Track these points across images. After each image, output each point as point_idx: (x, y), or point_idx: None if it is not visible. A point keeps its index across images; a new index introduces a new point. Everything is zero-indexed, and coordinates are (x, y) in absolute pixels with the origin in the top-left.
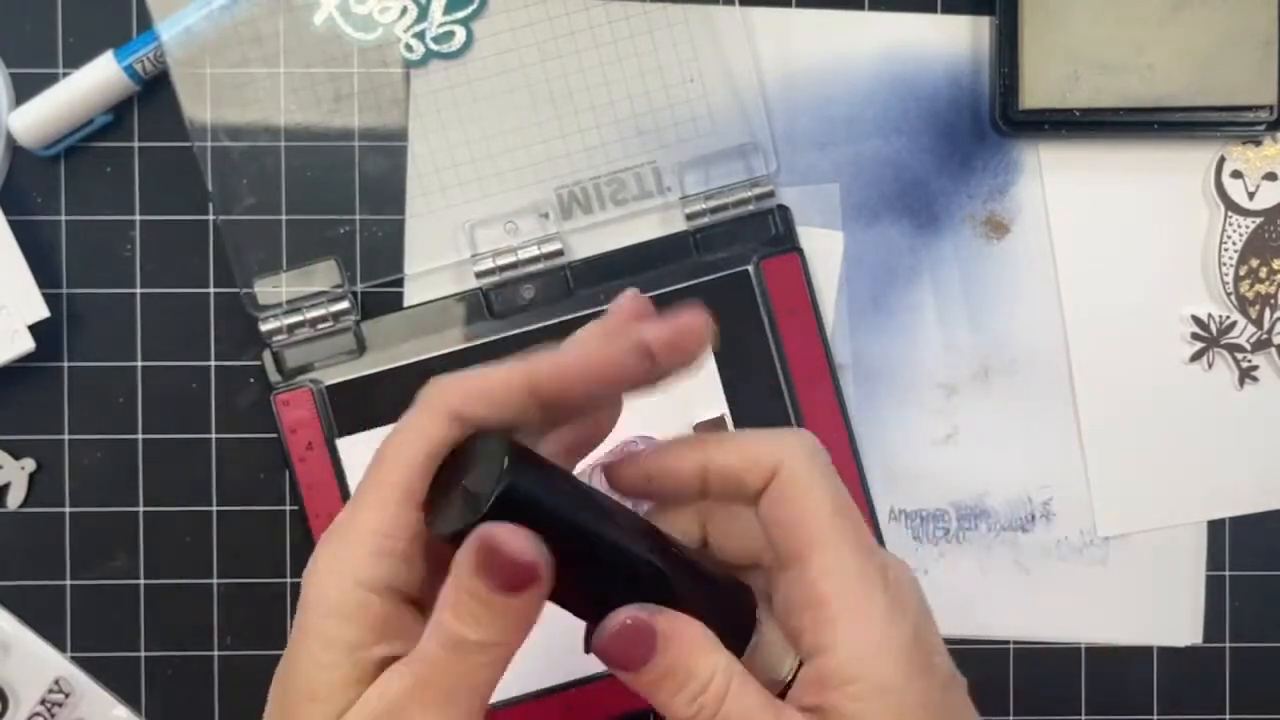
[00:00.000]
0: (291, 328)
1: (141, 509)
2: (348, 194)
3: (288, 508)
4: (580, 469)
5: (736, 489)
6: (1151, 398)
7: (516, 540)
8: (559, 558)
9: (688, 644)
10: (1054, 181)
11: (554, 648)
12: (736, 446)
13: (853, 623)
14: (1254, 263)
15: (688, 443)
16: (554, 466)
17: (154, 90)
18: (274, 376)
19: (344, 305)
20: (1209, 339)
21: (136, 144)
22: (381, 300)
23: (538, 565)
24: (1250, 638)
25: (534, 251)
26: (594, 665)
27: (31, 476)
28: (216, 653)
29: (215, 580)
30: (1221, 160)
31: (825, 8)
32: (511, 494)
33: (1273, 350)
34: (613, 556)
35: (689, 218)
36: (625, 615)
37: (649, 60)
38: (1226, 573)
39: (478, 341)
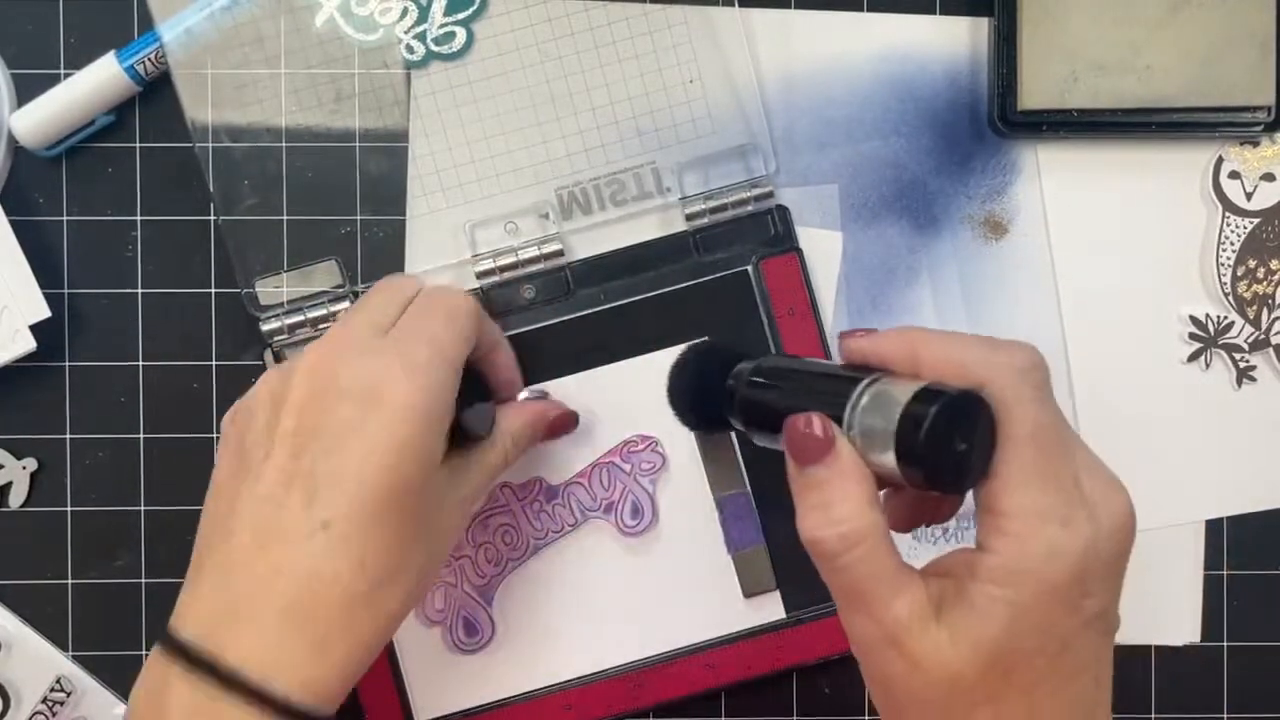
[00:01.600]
0: (292, 328)
1: (143, 508)
2: (349, 194)
3: None
4: (583, 466)
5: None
6: (1149, 397)
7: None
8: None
9: (849, 482)
10: (1052, 182)
11: (554, 647)
12: (946, 354)
13: (1016, 543)
14: (1251, 263)
15: (903, 336)
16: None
17: (155, 91)
18: None
19: (345, 305)
20: (1206, 339)
21: (138, 145)
22: None
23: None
24: (1248, 636)
25: (534, 252)
26: (594, 665)
27: (33, 476)
28: None
29: None
30: (1219, 161)
31: (824, 9)
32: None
33: (1270, 350)
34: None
35: (688, 218)
36: (821, 419)
37: (649, 61)
38: (1224, 572)
39: None
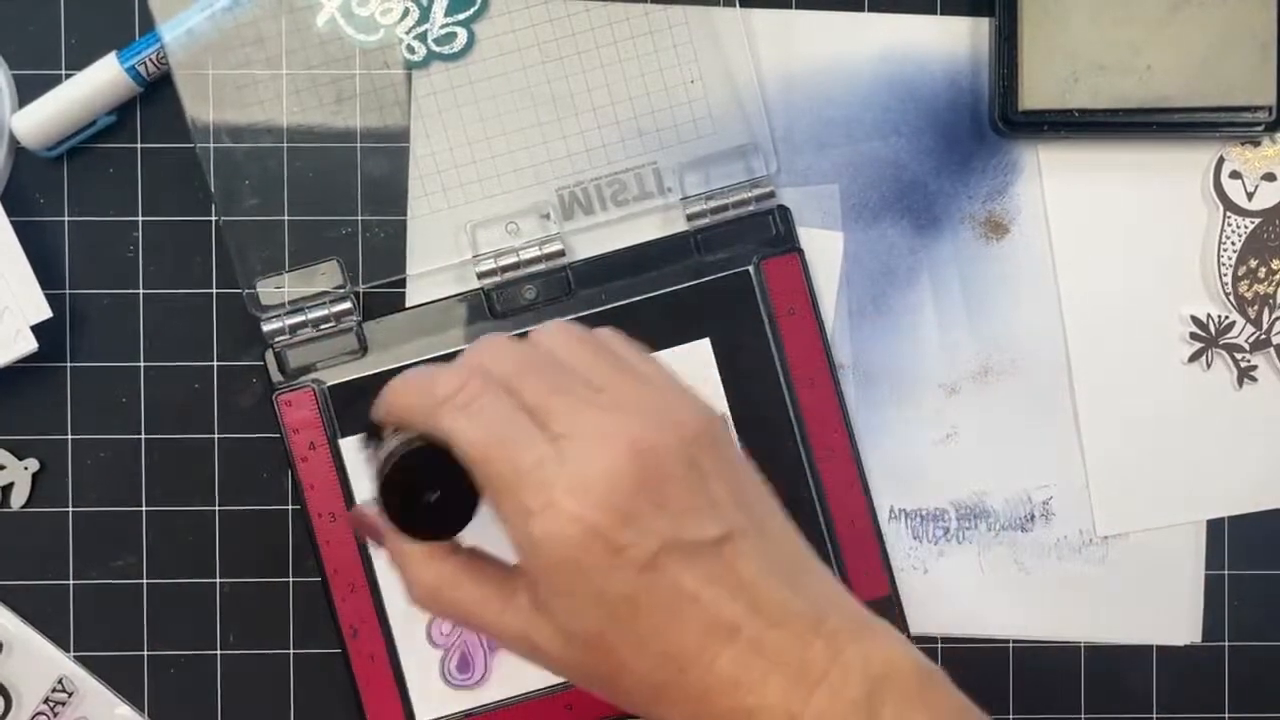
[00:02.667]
0: (294, 328)
1: (144, 509)
2: (350, 195)
3: (290, 507)
4: None
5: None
6: (1150, 397)
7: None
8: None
9: (401, 551)
10: (1053, 182)
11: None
12: (399, 406)
13: (515, 548)
14: (1252, 263)
15: (383, 393)
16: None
17: (156, 91)
18: (276, 377)
19: (346, 306)
20: (1207, 339)
21: (139, 145)
22: (383, 301)
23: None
24: (1249, 637)
25: (535, 252)
26: None
27: (35, 476)
28: (219, 652)
29: (218, 580)
30: (1220, 161)
31: (825, 9)
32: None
33: (1271, 350)
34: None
35: (689, 218)
36: (357, 511)
37: (650, 61)
38: (1225, 572)
39: None
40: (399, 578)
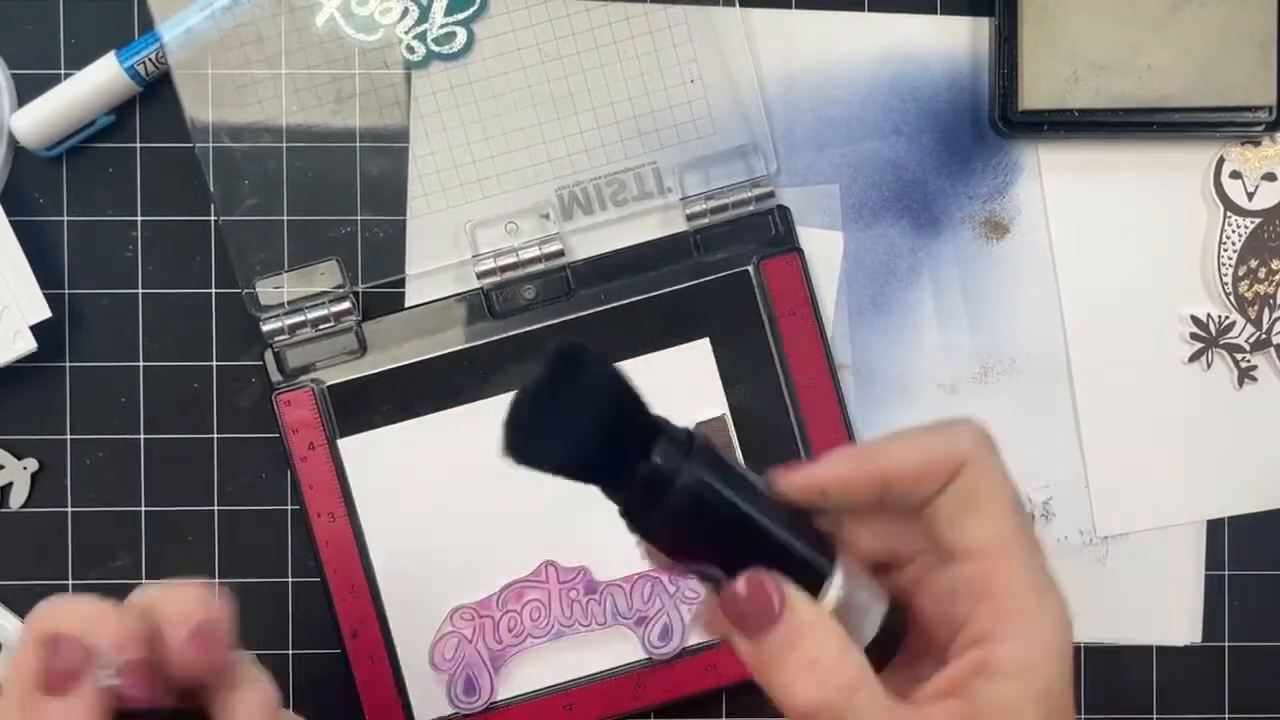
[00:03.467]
0: (293, 328)
1: (143, 509)
2: (349, 195)
3: (289, 507)
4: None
5: (913, 494)
6: (1150, 397)
7: None
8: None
9: (820, 629)
10: (1053, 182)
11: (555, 648)
12: (915, 450)
13: (1028, 622)
14: (1253, 263)
15: (858, 454)
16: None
17: (156, 91)
18: (275, 376)
19: (345, 305)
20: (1208, 339)
21: (138, 145)
22: (383, 300)
23: None
24: (1249, 637)
25: (535, 252)
26: (594, 665)
27: (34, 476)
28: None
29: (218, 580)
30: (1220, 161)
31: (825, 9)
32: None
33: (1271, 350)
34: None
35: (689, 218)
36: (771, 581)
37: (649, 61)
38: (1225, 572)
39: (479, 342)
40: (790, 670)
